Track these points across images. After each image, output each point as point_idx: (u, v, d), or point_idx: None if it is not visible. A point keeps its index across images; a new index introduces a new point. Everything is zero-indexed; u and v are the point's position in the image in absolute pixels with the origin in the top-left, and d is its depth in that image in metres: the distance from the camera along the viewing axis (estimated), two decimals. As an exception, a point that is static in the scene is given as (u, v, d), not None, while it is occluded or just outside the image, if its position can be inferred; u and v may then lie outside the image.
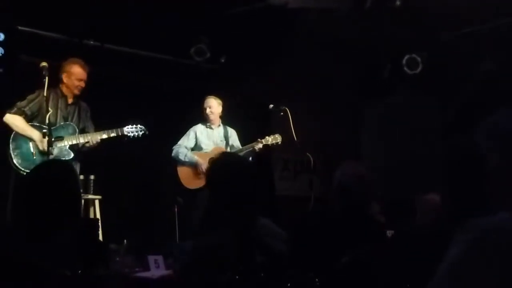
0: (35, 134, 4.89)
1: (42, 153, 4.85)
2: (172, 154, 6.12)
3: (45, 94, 4.71)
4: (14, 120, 4.91)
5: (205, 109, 6.15)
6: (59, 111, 5.09)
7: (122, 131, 5.23)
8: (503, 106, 1.58)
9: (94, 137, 5.11)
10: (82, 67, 5.18)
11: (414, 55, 6.65)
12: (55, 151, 4.90)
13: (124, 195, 6.45)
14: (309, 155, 5.55)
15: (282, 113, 5.71)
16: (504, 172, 1.48)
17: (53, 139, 4.74)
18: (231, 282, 2.45)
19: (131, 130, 5.26)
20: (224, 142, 6.19)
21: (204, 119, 6.21)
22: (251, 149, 5.97)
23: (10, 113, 4.94)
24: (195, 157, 6.06)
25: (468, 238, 1.37)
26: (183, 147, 6.13)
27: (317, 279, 2.48)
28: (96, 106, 5.51)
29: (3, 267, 2.27)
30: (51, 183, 2.50)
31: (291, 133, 5.59)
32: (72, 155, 5.05)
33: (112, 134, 5.19)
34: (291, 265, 2.62)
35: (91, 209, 5.53)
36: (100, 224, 4.80)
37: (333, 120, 7.51)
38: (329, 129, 7.43)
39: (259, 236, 2.66)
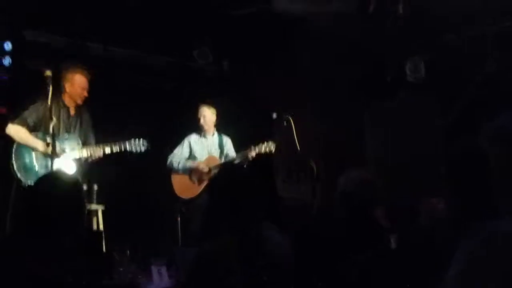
0: (38, 145, 4.88)
1: (45, 164, 4.83)
2: (167, 164, 6.14)
3: (49, 103, 4.66)
4: (17, 131, 4.89)
5: (199, 118, 6.15)
6: (61, 121, 5.06)
7: (125, 145, 5.23)
8: (507, 109, 1.57)
9: (97, 152, 5.10)
10: (85, 75, 5.17)
11: (417, 59, 6.64)
12: (59, 163, 4.85)
13: (127, 204, 6.43)
14: (312, 163, 5.53)
15: (285, 122, 5.69)
16: (510, 175, 1.46)
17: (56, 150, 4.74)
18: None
19: (134, 145, 5.26)
20: (219, 151, 6.19)
21: (198, 128, 6.21)
22: (244, 157, 5.94)
23: (13, 123, 4.92)
24: (189, 161, 6.08)
25: (475, 243, 1.36)
26: (177, 156, 6.15)
27: (320, 284, 2.46)
28: (99, 112, 5.51)
29: (6, 279, 2.26)
30: (56, 195, 2.50)
31: (294, 142, 5.57)
32: (75, 166, 5.03)
33: (116, 149, 5.18)
34: (295, 271, 2.60)
35: (94, 219, 5.52)
36: (103, 234, 4.79)
37: (336, 124, 7.49)
38: (333, 134, 7.41)
39: (263, 243, 2.64)
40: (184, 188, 6.05)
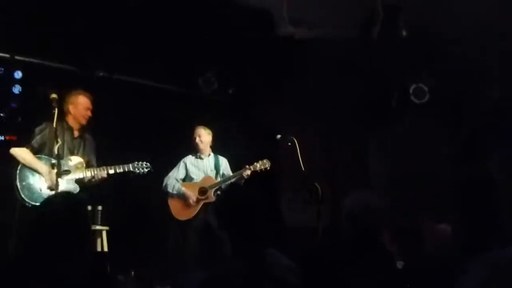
0: (43, 167, 4.90)
1: (49, 186, 4.84)
2: (162, 186, 6.16)
3: (54, 126, 4.71)
4: (21, 153, 4.91)
5: (195, 138, 6.22)
6: (65, 143, 5.09)
7: (129, 168, 5.27)
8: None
9: (101, 173, 5.12)
10: (88, 97, 5.25)
11: (421, 84, 6.66)
12: (62, 184, 4.87)
13: (131, 225, 6.42)
14: (317, 185, 5.52)
15: (290, 143, 5.70)
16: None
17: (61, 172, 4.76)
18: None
19: (137, 167, 5.31)
20: (215, 171, 6.23)
21: (194, 149, 6.25)
22: (239, 176, 6.02)
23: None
24: (182, 189, 6.11)
25: (484, 271, 1.35)
26: (173, 179, 6.18)
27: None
28: (103, 138, 5.55)
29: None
30: (61, 216, 2.49)
31: (299, 163, 5.57)
32: (78, 188, 5.04)
33: (119, 170, 5.22)
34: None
35: (99, 240, 5.51)
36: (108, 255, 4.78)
37: (341, 148, 7.50)
38: (338, 157, 7.41)
39: (269, 267, 2.63)
40: (180, 210, 6.08)
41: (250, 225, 2.75)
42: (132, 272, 4.76)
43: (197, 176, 6.19)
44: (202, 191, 6.06)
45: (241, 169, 6.07)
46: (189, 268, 5.73)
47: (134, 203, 6.55)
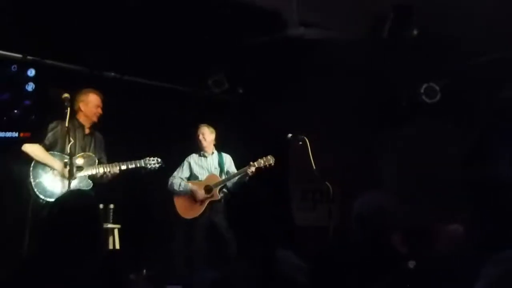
0: (56, 163, 4.94)
1: (62, 182, 4.89)
2: (168, 186, 6.18)
3: (67, 125, 4.78)
4: (35, 149, 4.96)
5: (198, 136, 6.24)
6: (77, 141, 5.13)
7: (141, 164, 5.30)
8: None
9: (114, 169, 5.16)
10: (98, 94, 5.32)
11: (432, 84, 6.63)
12: (75, 181, 4.93)
13: (143, 224, 6.45)
14: (328, 184, 5.51)
15: (300, 143, 5.70)
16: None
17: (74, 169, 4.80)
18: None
19: (148, 162, 5.34)
20: (219, 169, 6.25)
21: (197, 147, 6.28)
22: (244, 173, 6.04)
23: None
24: (189, 185, 6.14)
25: (496, 271, 1.35)
26: (178, 178, 6.21)
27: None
28: (113, 137, 5.59)
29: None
30: (74, 213, 2.51)
31: (309, 162, 5.56)
32: (91, 185, 5.08)
33: (131, 166, 5.26)
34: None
35: (111, 238, 5.55)
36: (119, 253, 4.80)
37: (352, 149, 7.48)
38: (348, 158, 7.39)
39: (279, 267, 2.63)
40: (187, 208, 6.10)
41: (259, 225, 2.75)
42: (144, 271, 4.77)
43: (202, 174, 6.22)
44: (207, 189, 6.08)
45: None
46: (196, 266, 5.75)
47: (145, 202, 6.58)
